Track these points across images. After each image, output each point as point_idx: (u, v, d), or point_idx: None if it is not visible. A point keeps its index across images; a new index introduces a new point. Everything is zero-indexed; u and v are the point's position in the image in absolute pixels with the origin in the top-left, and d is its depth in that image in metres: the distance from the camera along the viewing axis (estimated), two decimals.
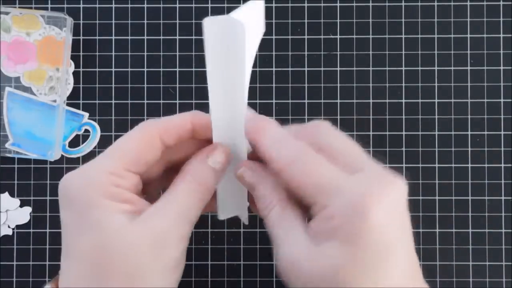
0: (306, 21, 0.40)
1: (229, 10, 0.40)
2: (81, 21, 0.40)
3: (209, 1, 0.40)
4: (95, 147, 0.40)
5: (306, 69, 0.40)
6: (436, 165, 0.39)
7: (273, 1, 0.40)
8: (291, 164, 0.23)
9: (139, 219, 0.23)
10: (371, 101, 0.40)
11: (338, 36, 0.40)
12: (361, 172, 0.23)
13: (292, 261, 0.23)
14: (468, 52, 0.40)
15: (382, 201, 0.22)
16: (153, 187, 0.27)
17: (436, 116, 0.39)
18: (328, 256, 0.22)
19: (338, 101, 0.40)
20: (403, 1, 0.40)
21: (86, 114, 0.40)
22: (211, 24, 0.23)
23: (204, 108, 0.39)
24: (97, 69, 0.40)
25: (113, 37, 0.40)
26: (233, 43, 0.24)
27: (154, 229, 0.23)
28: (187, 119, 0.26)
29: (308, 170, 0.23)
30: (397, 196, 0.23)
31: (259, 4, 0.28)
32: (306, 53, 0.40)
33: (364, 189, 0.22)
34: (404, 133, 0.39)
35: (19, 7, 0.40)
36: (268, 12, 0.40)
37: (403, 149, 0.39)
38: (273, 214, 0.24)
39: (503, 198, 0.39)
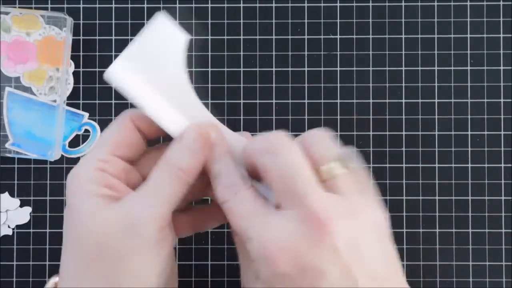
0: (306, 21, 0.40)
1: (229, 10, 0.40)
2: (81, 21, 0.40)
3: (209, 1, 0.40)
4: None
5: (306, 69, 0.40)
6: (436, 165, 0.39)
7: (273, 1, 0.40)
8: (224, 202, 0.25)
9: (116, 204, 0.24)
10: (371, 101, 0.40)
11: (338, 36, 0.40)
12: (290, 210, 0.23)
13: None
14: (468, 52, 0.40)
15: (290, 247, 0.22)
16: None
17: (436, 116, 0.39)
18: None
19: (338, 101, 0.40)
20: (403, 1, 0.40)
21: (86, 114, 0.40)
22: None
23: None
24: (97, 69, 0.40)
25: (113, 37, 0.40)
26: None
27: (127, 212, 0.24)
28: None
29: (236, 210, 0.24)
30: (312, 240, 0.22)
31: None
32: (306, 53, 0.40)
33: (274, 234, 0.22)
34: (404, 133, 0.39)
35: (19, 7, 0.40)
36: (268, 12, 0.40)
37: (403, 149, 0.39)
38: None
39: (503, 198, 0.39)
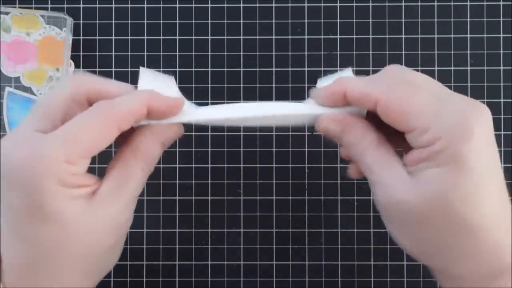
0: (306, 21, 0.40)
1: (229, 10, 0.40)
2: (81, 21, 0.40)
3: (209, 1, 0.40)
4: None
5: (306, 69, 0.40)
6: None
7: (273, 1, 0.40)
8: (388, 94, 0.23)
9: (95, 204, 0.23)
10: None
11: (338, 36, 0.40)
12: (452, 100, 0.23)
13: (392, 195, 0.23)
14: (468, 52, 0.40)
15: (482, 121, 0.22)
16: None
17: None
18: (431, 183, 0.22)
19: None
20: (403, 1, 0.40)
21: None
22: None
23: None
24: (97, 69, 0.40)
25: (113, 37, 0.40)
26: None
27: (111, 213, 0.23)
28: (143, 103, 0.25)
29: (405, 98, 0.23)
30: (490, 119, 0.23)
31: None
32: (306, 53, 0.40)
33: (465, 110, 0.22)
34: None
35: (19, 7, 0.40)
36: (268, 12, 0.40)
37: None
38: (368, 156, 0.24)
39: None
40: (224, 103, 0.40)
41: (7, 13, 0.39)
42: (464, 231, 0.22)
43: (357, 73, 0.40)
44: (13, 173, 0.22)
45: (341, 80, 0.25)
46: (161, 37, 0.40)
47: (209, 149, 0.40)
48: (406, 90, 0.23)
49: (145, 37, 0.40)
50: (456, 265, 0.23)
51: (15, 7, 0.40)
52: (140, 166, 0.25)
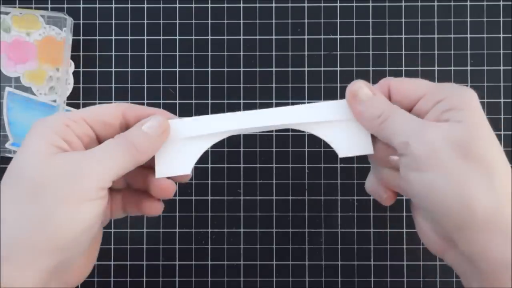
0: (306, 21, 0.40)
1: (229, 10, 0.40)
2: (81, 21, 0.40)
3: (209, 1, 0.40)
4: None
5: (306, 69, 0.40)
6: None
7: (273, 1, 0.40)
8: (399, 80, 0.28)
9: (62, 154, 0.25)
10: None
11: (338, 36, 0.40)
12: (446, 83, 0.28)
13: (432, 137, 0.25)
14: (468, 52, 0.40)
15: (474, 94, 0.26)
16: None
17: None
18: (465, 119, 0.25)
19: None
20: (403, 1, 0.40)
21: None
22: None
23: (204, 107, 0.40)
24: (97, 69, 0.40)
25: (113, 37, 0.40)
26: None
27: (70, 163, 0.24)
28: (150, 112, 0.28)
29: (417, 79, 0.28)
30: (476, 98, 0.26)
31: None
32: (306, 53, 0.40)
33: (461, 87, 0.26)
34: None
35: (19, 7, 0.40)
36: (268, 12, 0.40)
37: None
38: (399, 113, 0.27)
39: None
40: (224, 103, 0.40)
41: (7, 13, 0.39)
42: (501, 165, 0.24)
43: (357, 73, 0.40)
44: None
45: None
46: (161, 37, 0.40)
47: (209, 149, 0.40)
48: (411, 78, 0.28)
49: (145, 37, 0.40)
50: (477, 236, 0.24)
51: (15, 7, 0.40)
52: (115, 141, 0.26)
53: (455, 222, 0.24)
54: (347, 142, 0.28)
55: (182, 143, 0.28)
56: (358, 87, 0.28)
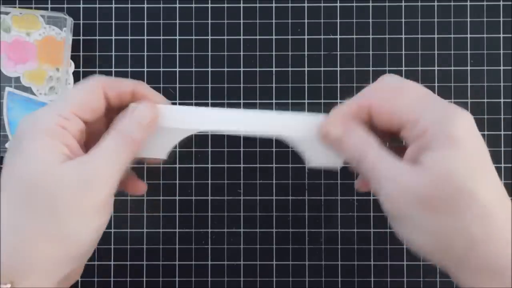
0: (306, 21, 0.40)
1: (229, 10, 0.40)
2: (81, 21, 0.40)
3: (209, 1, 0.40)
4: None
5: (306, 69, 0.40)
6: None
7: (273, 1, 0.40)
8: (380, 97, 0.26)
9: (70, 162, 0.24)
10: None
11: (338, 36, 0.40)
12: (436, 98, 0.25)
13: (402, 185, 0.23)
14: (468, 52, 0.40)
15: (463, 115, 0.24)
16: (94, 142, 0.27)
17: None
18: (436, 165, 0.23)
19: (338, 101, 0.40)
20: (403, 1, 0.40)
21: None
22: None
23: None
24: (97, 69, 0.40)
25: (113, 37, 0.40)
26: None
27: (80, 171, 0.24)
28: (130, 86, 0.28)
29: (394, 97, 0.25)
30: (471, 118, 0.24)
31: None
32: (306, 53, 0.40)
33: (447, 106, 0.24)
34: None
35: (19, 7, 0.40)
36: (268, 12, 0.40)
37: None
38: (371, 155, 0.25)
39: None
40: (224, 103, 0.40)
41: (7, 13, 0.39)
42: (474, 207, 0.22)
43: (357, 73, 0.40)
44: (18, 126, 0.25)
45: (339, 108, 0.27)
46: (161, 37, 0.40)
47: (209, 149, 0.40)
48: (395, 92, 0.26)
49: (145, 37, 0.40)
50: (470, 254, 0.23)
51: (15, 7, 0.40)
52: (113, 138, 0.26)
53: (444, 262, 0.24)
54: (319, 153, 0.28)
55: (162, 129, 0.28)
56: (327, 130, 0.27)
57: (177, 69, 0.40)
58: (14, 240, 0.23)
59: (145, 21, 0.40)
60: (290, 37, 0.40)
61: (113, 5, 0.40)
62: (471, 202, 0.22)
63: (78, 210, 0.24)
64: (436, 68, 0.40)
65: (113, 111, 0.28)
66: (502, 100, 0.39)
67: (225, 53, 0.40)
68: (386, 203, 0.24)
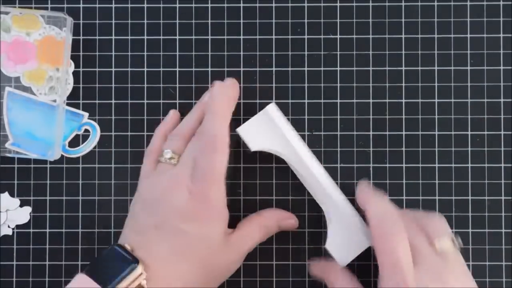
0: (306, 21, 0.40)
1: (229, 10, 0.40)
2: (81, 21, 0.40)
3: (209, 1, 0.40)
4: (95, 147, 0.40)
5: (306, 69, 0.40)
6: (436, 165, 0.39)
7: (273, 1, 0.40)
8: (379, 236, 0.33)
9: (231, 243, 0.35)
10: (371, 101, 0.40)
11: (338, 36, 0.40)
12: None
13: None
14: (468, 52, 0.40)
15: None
16: None
17: (436, 116, 0.39)
18: None
19: (338, 101, 0.40)
20: (403, 1, 0.40)
21: (86, 114, 0.40)
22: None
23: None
24: (97, 69, 0.40)
25: (113, 37, 0.40)
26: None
27: (239, 252, 0.35)
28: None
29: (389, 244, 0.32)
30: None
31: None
32: (306, 53, 0.40)
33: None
34: (404, 133, 0.39)
35: (19, 7, 0.40)
36: (268, 12, 0.40)
37: (403, 149, 0.39)
38: None
39: (503, 198, 0.39)
40: None
41: (7, 13, 0.39)
42: None
43: (357, 73, 0.40)
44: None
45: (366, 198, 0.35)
46: (161, 37, 0.40)
47: None
48: (392, 240, 0.33)
49: (145, 37, 0.40)
50: None
51: (15, 7, 0.40)
52: (261, 230, 0.37)
53: None
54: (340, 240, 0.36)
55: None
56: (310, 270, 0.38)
57: (177, 69, 0.40)
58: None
59: (145, 21, 0.40)
60: (290, 37, 0.40)
61: (113, 5, 0.40)
62: None
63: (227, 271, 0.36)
64: (436, 68, 0.40)
65: None
66: (502, 100, 0.39)
67: (225, 53, 0.40)
68: None
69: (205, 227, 0.33)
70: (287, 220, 0.38)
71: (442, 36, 0.40)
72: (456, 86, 0.39)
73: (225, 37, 0.40)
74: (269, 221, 0.37)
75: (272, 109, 0.37)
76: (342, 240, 0.36)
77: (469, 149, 0.39)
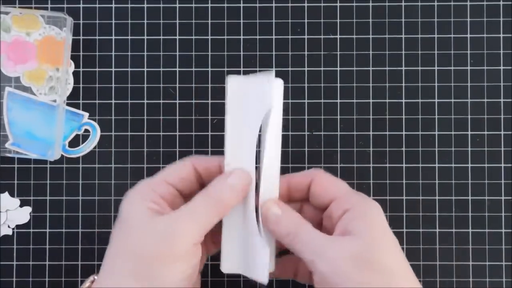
0: (306, 21, 0.40)
1: (229, 10, 0.40)
2: (81, 21, 0.40)
3: (209, 1, 0.40)
4: (95, 147, 0.40)
5: (306, 69, 0.40)
6: (436, 165, 0.39)
7: (273, 1, 0.40)
8: (322, 175, 0.32)
9: (159, 217, 0.28)
10: (371, 101, 0.40)
11: (338, 36, 0.40)
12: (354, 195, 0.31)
13: (337, 249, 0.28)
14: (468, 52, 0.40)
15: (378, 207, 0.30)
16: None
17: (436, 116, 0.39)
18: (363, 232, 0.28)
19: (338, 101, 0.40)
20: (403, 1, 0.40)
21: (86, 114, 0.40)
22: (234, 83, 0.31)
23: (205, 107, 0.40)
24: (97, 69, 0.40)
25: (113, 37, 0.40)
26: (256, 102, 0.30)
27: (168, 225, 0.28)
28: (216, 161, 0.32)
29: (335, 180, 0.32)
30: (380, 210, 0.30)
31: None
32: (306, 53, 0.40)
33: (367, 199, 0.30)
34: (404, 133, 0.39)
35: (19, 7, 0.40)
36: (268, 12, 0.40)
37: (403, 149, 0.39)
38: (305, 232, 0.29)
39: (503, 198, 0.39)
40: (224, 103, 0.40)
41: (7, 13, 0.39)
42: (387, 274, 0.27)
43: (357, 73, 0.40)
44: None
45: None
46: (161, 37, 0.40)
47: (209, 149, 0.40)
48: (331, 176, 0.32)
49: (145, 37, 0.40)
50: None
51: (15, 7, 0.40)
52: (203, 198, 0.30)
53: None
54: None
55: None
56: (266, 208, 0.30)
57: (177, 69, 0.40)
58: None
59: (145, 21, 0.40)
60: (290, 37, 0.40)
61: (113, 5, 0.40)
62: (398, 267, 0.28)
63: (161, 257, 0.27)
64: (436, 68, 0.40)
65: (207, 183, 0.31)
66: (502, 100, 0.39)
67: (225, 53, 0.40)
68: (323, 266, 0.27)
69: None
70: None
71: (442, 36, 0.40)
72: (456, 86, 0.39)
73: (225, 37, 0.40)
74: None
75: (278, 85, 0.30)
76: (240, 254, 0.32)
77: (469, 149, 0.39)
